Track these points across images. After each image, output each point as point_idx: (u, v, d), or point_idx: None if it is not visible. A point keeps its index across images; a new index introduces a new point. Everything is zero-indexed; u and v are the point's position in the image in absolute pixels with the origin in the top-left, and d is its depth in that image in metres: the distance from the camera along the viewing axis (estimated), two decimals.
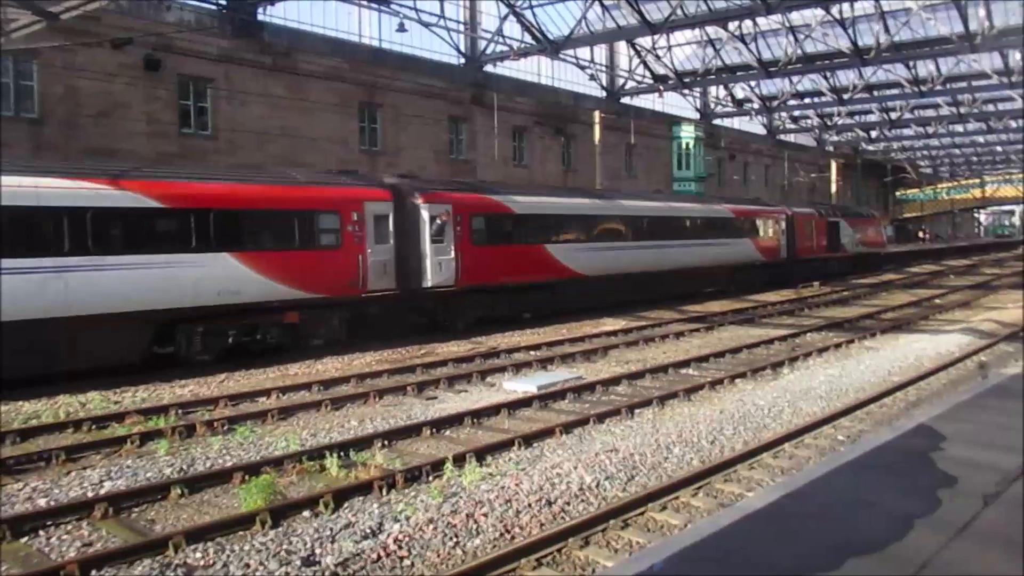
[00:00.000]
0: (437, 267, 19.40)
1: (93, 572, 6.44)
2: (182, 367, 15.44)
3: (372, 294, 18.31)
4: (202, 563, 6.66)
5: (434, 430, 11.00)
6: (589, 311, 23.93)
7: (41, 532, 7.49)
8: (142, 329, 14.98)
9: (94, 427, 11.40)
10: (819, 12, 28.74)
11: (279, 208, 16.97)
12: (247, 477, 8.75)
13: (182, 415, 12.07)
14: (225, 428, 11.16)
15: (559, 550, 6.86)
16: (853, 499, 5.13)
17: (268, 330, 16.90)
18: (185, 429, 10.96)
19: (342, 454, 9.61)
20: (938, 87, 36.78)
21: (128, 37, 19.12)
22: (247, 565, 6.57)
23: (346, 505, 7.98)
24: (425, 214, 19.34)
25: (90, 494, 8.46)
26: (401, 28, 23.97)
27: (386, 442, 10.37)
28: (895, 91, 39.54)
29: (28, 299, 13.19)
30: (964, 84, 37.99)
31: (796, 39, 30.87)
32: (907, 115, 46.21)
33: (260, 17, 22.41)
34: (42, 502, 8.29)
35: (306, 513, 7.77)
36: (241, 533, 7.30)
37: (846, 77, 39.02)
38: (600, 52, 34.70)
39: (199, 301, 15.38)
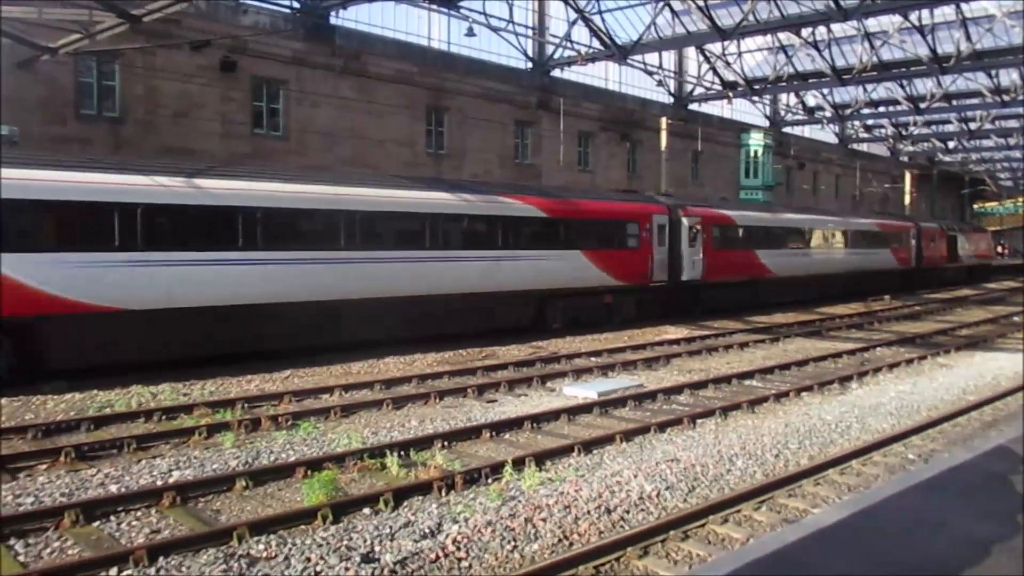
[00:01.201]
0: (692, 265, 25.57)
1: (160, 558, 6.60)
2: (532, 332, 20.88)
3: (653, 284, 24.52)
4: (265, 555, 6.77)
5: (494, 433, 11.01)
6: (750, 308, 28.39)
7: (112, 517, 7.72)
8: (532, 303, 21.27)
9: (164, 417, 11.74)
10: (897, 19, 27.95)
11: (609, 218, 23.51)
12: (309, 472, 8.89)
13: (248, 409, 12.33)
14: (289, 423, 11.37)
15: (618, 559, 6.79)
16: (928, 520, 4.94)
17: (594, 308, 22.89)
18: (251, 423, 11.19)
19: (402, 453, 9.70)
20: (1021, 97, 35.37)
21: (206, 39, 19.66)
22: (308, 559, 6.66)
23: (405, 504, 8.04)
24: (686, 224, 25.38)
25: (159, 483, 8.70)
26: (470, 32, 24.09)
27: (446, 443, 10.42)
28: (975, 100, 38.20)
29: (480, 279, 19.50)
30: None
31: (872, 46, 30.08)
32: (987, 125, 44.51)
33: (332, 20, 22.79)
34: (113, 488, 8.55)
35: (366, 510, 7.85)
36: (303, 527, 7.41)
37: (923, 85, 37.82)
38: (668, 58, 34.32)
39: (561, 284, 21.71)
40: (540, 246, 21.07)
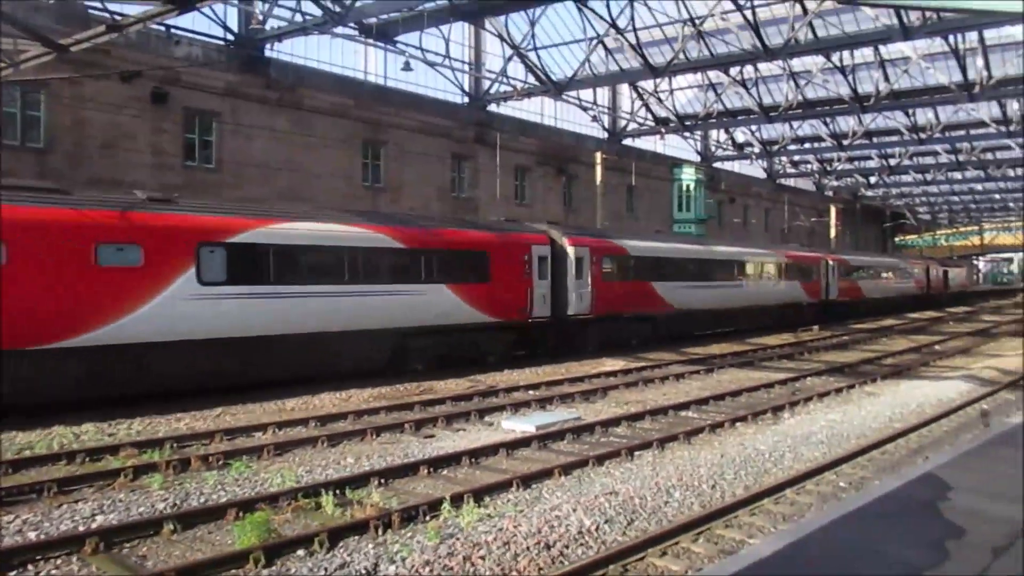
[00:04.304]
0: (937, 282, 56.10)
1: None
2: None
3: (920, 294, 53.73)
4: None
5: (432, 469, 10.88)
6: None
7: (30, 566, 7.36)
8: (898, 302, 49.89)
9: (88, 459, 11.28)
10: (820, 59, 29.05)
11: (915, 267, 53.49)
12: (241, 514, 8.62)
13: (177, 448, 11.94)
14: (220, 463, 11.03)
15: None
16: (861, 548, 5.04)
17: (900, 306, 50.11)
18: (180, 463, 10.82)
19: (338, 492, 9.50)
20: (937, 135, 37.01)
21: (137, 70, 19.26)
22: None
23: (341, 544, 7.85)
24: (934, 270, 54.97)
25: (81, 528, 8.34)
26: (406, 67, 24.12)
27: (383, 480, 10.24)
28: (894, 138, 39.91)
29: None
30: (962, 132, 38.07)
31: (797, 85, 31.18)
32: (906, 162, 46.43)
33: (267, 53, 22.62)
34: (32, 535, 8.16)
35: (300, 552, 7.64)
36: (234, 571, 7.17)
37: (846, 123, 39.32)
38: (603, 94, 35.00)
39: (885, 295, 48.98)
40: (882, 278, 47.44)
